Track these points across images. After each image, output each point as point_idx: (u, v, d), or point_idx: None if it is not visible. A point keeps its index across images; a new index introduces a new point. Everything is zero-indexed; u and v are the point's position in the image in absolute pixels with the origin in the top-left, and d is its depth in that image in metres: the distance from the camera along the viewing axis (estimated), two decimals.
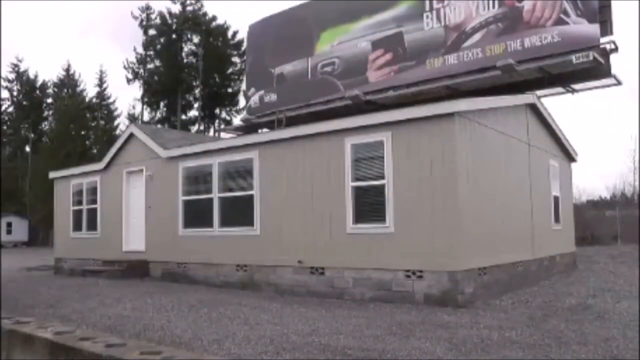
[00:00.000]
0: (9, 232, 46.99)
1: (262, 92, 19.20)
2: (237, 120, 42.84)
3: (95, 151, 49.30)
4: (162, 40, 53.69)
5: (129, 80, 54.64)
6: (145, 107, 55.34)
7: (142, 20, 54.13)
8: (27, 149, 60.13)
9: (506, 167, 10.65)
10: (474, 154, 9.16)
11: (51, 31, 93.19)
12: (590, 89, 14.30)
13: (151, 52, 54.27)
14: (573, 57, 12.39)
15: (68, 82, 60.33)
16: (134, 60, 54.41)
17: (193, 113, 55.44)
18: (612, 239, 26.27)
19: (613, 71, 13.13)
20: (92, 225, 15.59)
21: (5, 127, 58.86)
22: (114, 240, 14.55)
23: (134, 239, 14.11)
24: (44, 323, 6.06)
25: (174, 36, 53.24)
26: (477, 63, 13.90)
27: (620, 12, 17.63)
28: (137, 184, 14.27)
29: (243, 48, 47.00)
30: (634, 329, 6.55)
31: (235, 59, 53.46)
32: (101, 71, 62.36)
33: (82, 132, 51.02)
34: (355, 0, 16.79)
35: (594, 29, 12.41)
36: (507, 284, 9.92)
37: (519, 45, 13.25)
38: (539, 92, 13.32)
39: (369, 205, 9.44)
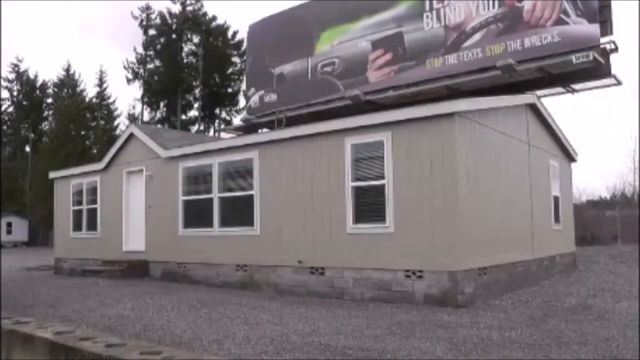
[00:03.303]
0: (9, 232, 47.00)
1: (262, 92, 19.19)
2: (237, 120, 42.86)
3: (95, 151, 49.30)
4: (162, 40, 53.75)
5: (129, 80, 54.77)
6: (145, 107, 55.42)
7: (142, 20, 54.22)
8: (27, 149, 60.16)
9: (506, 167, 10.65)
10: (474, 154, 9.16)
11: (51, 31, 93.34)
12: (590, 89, 14.28)
13: (151, 52, 54.34)
14: (573, 57, 12.37)
15: (68, 82, 60.37)
16: (134, 60, 54.59)
17: (193, 113, 55.57)
18: (612, 239, 26.30)
19: (613, 71, 13.11)
20: (92, 225, 15.59)
21: (5, 127, 58.89)
22: (114, 240, 14.55)
23: (134, 239, 14.12)
24: (44, 323, 6.06)
25: (174, 36, 53.30)
26: (477, 63, 13.89)
27: (620, 12, 17.62)
28: (137, 184, 14.28)
29: (243, 48, 47.00)
30: (634, 329, 6.55)
31: (235, 59, 53.53)
32: (101, 71, 62.62)
33: (82, 132, 51.07)
34: (355, 0, 16.78)
35: (594, 29, 12.40)
36: (507, 284, 9.92)
37: (519, 45, 13.24)
38: (539, 92, 13.32)
39: (369, 205, 9.44)
